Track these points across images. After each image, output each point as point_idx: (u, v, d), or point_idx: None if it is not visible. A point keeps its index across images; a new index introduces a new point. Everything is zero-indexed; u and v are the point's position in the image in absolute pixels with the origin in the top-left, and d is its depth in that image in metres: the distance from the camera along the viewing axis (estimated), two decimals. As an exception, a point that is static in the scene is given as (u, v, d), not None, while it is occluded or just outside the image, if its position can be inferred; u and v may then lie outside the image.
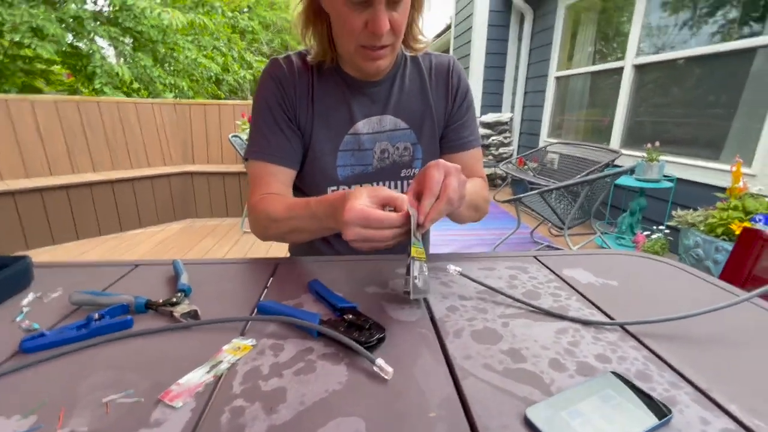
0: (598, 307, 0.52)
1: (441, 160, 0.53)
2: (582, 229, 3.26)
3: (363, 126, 0.78)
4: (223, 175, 3.61)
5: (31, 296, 0.53)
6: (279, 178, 0.75)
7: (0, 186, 2.71)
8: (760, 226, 1.68)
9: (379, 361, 0.38)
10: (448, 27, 6.44)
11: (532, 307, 0.51)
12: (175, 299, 0.51)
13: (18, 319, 0.48)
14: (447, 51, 6.38)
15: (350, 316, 0.46)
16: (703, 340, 0.45)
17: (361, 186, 0.80)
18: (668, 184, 2.56)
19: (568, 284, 0.59)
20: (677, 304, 0.54)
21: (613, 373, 0.38)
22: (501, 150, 4.82)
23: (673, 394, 0.36)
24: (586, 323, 0.48)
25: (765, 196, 1.93)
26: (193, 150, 3.90)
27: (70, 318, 0.48)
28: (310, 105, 0.76)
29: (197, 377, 0.38)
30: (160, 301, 0.50)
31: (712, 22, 2.57)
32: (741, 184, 1.95)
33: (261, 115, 0.75)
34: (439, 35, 7.28)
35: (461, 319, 0.49)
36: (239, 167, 3.67)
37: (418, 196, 0.52)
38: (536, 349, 0.43)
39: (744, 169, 2.04)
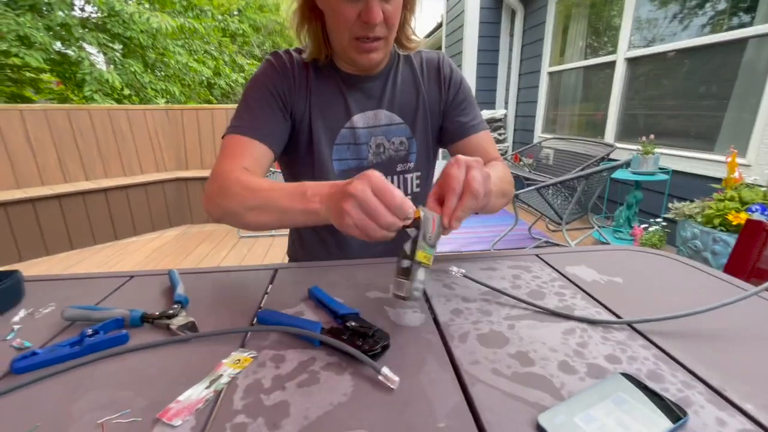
0: (604, 306, 0.51)
1: (460, 156, 0.49)
2: (579, 223, 3.27)
3: (359, 120, 0.77)
4: (217, 180, 3.57)
5: (22, 312, 0.52)
6: (255, 154, 0.68)
7: (-9, 197, 2.67)
8: (757, 216, 1.69)
9: (385, 370, 0.37)
10: (440, 25, 6.43)
11: (538, 307, 0.50)
12: (171, 311, 0.49)
13: (9, 337, 0.46)
14: (439, 49, 6.37)
15: (353, 323, 0.45)
16: (713, 336, 0.44)
17: None
18: (664, 177, 2.56)
19: (573, 282, 0.58)
20: (684, 299, 0.53)
21: (624, 374, 0.37)
22: (497, 147, 4.83)
23: (687, 394, 0.35)
24: (593, 323, 0.47)
25: (761, 186, 1.93)
26: (187, 156, 3.86)
27: (63, 334, 0.47)
28: (308, 97, 0.75)
29: (197, 393, 0.36)
30: (157, 313, 0.49)
31: (702, 13, 2.58)
32: (736, 174, 1.96)
33: (252, 94, 0.72)
34: (430, 34, 7.28)
35: (466, 323, 0.48)
36: (234, 171, 3.63)
37: (440, 200, 0.49)
38: (544, 352, 0.42)
39: (739, 160, 2.05)
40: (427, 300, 0.54)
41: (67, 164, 3.22)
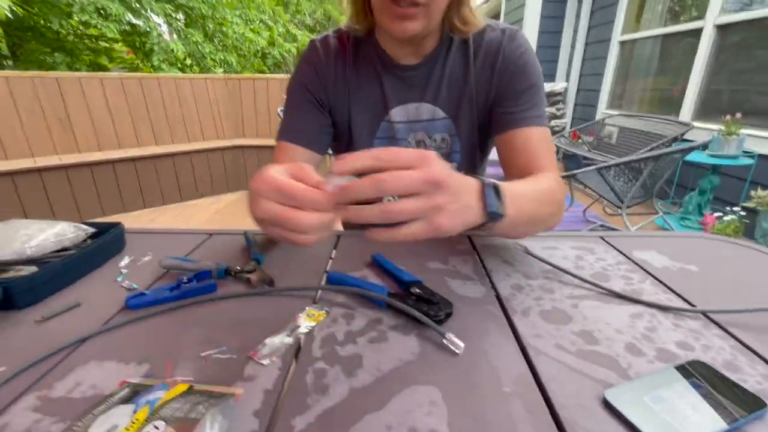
0: (676, 293, 0.49)
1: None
2: (640, 208, 3.04)
3: (397, 113, 0.74)
4: (271, 149, 3.70)
5: (126, 259, 0.60)
6: (293, 156, 0.72)
7: (78, 158, 2.98)
8: None
9: (450, 335, 0.39)
10: (500, -11, 6.00)
11: (603, 289, 0.50)
12: (249, 267, 0.54)
13: (119, 279, 0.54)
14: (497, 15, 6.00)
15: (417, 290, 0.47)
16: (801, 333, 0.42)
17: None
18: (748, 161, 2.30)
19: (641, 267, 0.56)
20: (766, 293, 0.50)
21: (698, 361, 0.36)
22: (553, 123, 4.55)
23: (766, 387, 0.34)
24: (664, 308, 0.46)
25: None
26: (244, 124, 4.03)
27: (162, 280, 0.54)
28: (347, 92, 0.74)
29: (280, 339, 0.41)
30: (238, 268, 0.54)
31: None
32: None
33: (291, 99, 0.75)
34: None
35: (528, 298, 0.48)
36: (286, 141, 3.75)
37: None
38: (609, 332, 0.42)
39: None
40: (487, 274, 0.55)
41: (140, 130, 3.49)
